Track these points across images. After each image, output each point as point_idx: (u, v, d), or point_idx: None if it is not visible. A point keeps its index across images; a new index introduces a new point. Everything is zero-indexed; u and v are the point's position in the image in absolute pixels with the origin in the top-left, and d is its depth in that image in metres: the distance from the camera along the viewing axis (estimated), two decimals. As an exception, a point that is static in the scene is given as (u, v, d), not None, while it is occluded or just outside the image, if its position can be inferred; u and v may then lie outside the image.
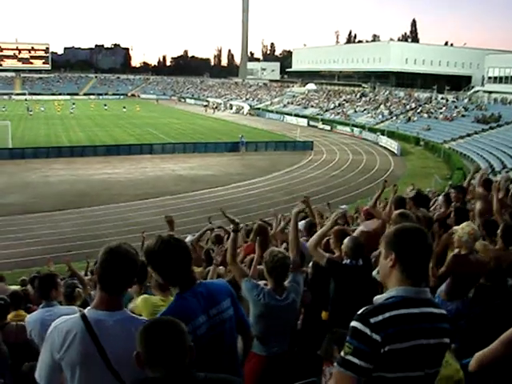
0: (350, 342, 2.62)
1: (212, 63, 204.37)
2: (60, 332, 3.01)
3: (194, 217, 25.16)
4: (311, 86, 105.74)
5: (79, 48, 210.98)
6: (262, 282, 5.07)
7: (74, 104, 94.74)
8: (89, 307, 3.16)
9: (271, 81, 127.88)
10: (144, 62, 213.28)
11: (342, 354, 2.65)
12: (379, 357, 2.58)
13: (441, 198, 9.60)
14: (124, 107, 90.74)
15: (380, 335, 2.57)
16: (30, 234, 24.84)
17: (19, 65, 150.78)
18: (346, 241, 5.86)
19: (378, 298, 2.77)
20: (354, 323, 2.64)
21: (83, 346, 2.95)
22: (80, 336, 2.96)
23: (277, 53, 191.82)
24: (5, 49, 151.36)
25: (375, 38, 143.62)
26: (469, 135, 55.78)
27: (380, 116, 73.78)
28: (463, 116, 64.17)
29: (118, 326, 3.03)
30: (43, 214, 28.19)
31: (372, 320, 2.59)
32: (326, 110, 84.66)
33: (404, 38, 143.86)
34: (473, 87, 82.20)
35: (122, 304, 3.17)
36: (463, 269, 5.72)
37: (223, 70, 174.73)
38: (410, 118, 68.81)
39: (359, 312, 2.67)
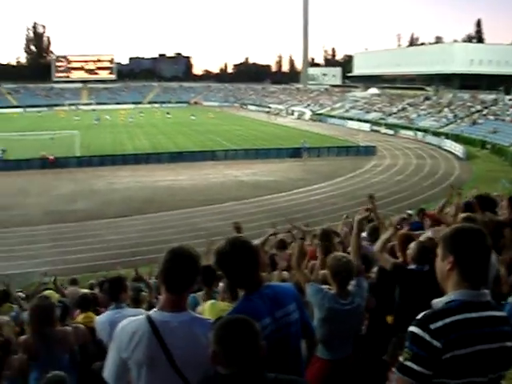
0: (410, 348, 2.59)
1: (273, 69, 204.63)
2: (126, 333, 3.11)
3: (257, 222, 25.23)
4: (373, 91, 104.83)
5: (143, 58, 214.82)
6: (325, 287, 5.07)
7: (141, 113, 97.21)
8: (154, 309, 3.25)
9: (332, 86, 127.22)
10: (206, 70, 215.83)
11: (402, 359, 2.63)
12: (440, 363, 2.54)
13: (504, 201, 9.40)
14: (193, 115, 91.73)
15: (440, 342, 2.52)
16: (97, 239, 25.51)
17: (86, 76, 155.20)
18: (412, 245, 5.80)
19: (437, 302, 2.71)
20: (412, 328, 2.61)
21: (149, 346, 3.03)
22: (146, 337, 3.04)
23: (338, 57, 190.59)
24: (72, 61, 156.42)
25: (438, 40, 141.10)
26: (538, 138, 54.17)
27: (444, 119, 72.39)
28: (532, 117, 62.45)
29: (183, 327, 3.09)
30: (109, 220, 28.89)
31: (432, 326, 2.55)
32: (389, 115, 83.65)
33: (468, 39, 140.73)
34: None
35: (186, 305, 3.23)
36: None
37: (284, 76, 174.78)
38: (475, 121, 67.29)
39: (418, 317, 2.64)
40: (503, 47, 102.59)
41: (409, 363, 2.57)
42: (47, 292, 9.74)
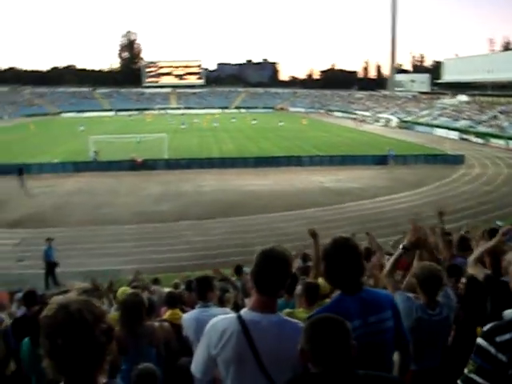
0: (474, 360, 2.54)
1: (359, 76, 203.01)
2: (217, 330, 3.20)
3: (341, 229, 25.11)
4: (463, 98, 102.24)
5: (230, 63, 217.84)
6: (413, 296, 4.99)
7: (233, 118, 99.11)
8: (245, 309, 3.31)
9: (420, 93, 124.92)
10: (292, 76, 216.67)
11: (466, 371, 2.58)
12: (505, 378, 2.46)
13: None
14: (280, 121, 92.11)
15: (506, 356, 2.45)
16: (182, 240, 26.03)
17: (175, 81, 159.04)
18: (508, 257, 5.66)
19: (509, 313, 2.66)
20: (479, 340, 2.55)
21: (238, 345, 3.10)
22: (235, 335, 3.12)
23: (426, 64, 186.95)
24: (162, 67, 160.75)
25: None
26: None
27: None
28: None
29: (272, 327, 3.14)
30: (194, 222, 29.42)
31: (498, 339, 2.48)
32: (479, 123, 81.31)
33: None
34: None
35: (276, 307, 3.27)
36: None
37: (371, 83, 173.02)
38: None
39: (485, 328, 2.57)
40: None
41: (473, 375, 2.53)
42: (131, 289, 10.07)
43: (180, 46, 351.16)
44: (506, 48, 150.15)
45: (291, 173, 45.16)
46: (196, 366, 3.34)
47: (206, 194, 36.69)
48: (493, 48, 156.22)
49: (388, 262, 5.13)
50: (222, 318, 3.29)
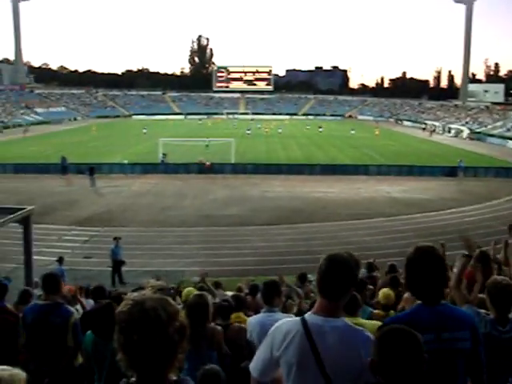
0: None
1: (431, 85, 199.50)
2: (281, 331, 3.22)
3: (405, 240, 24.85)
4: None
5: (299, 70, 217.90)
6: (483, 311, 4.83)
7: (310, 126, 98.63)
8: (309, 312, 3.31)
9: (494, 103, 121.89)
10: (361, 84, 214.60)
11: None
12: None
13: None
14: (352, 129, 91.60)
15: None
16: (247, 245, 26.21)
17: (244, 86, 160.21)
18: None
19: None
20: None
21: (300, 347, 3.11)
22: (298, 337, 3.13)
23: (501, 73, 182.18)
24: (232, 72, 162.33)
25: None
26: None
27: None
28: None
29: (335, 332, 3.12)
30: (259, 227, 29.58)
31: None
32: (555, 136, 78.99)
33: None
34: None
35: (340, 312, 3.26)
36: None
37: (442, 92, 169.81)
38: None
39: None
40: None
41: None
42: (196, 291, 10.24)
43: (250, 52, 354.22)
44: None
45: (358, 181, 44.85)
46: (255, 365, 3.37)
47: (272, 200, 36.80)
48: None
49: (453, 274, 5.05)
50: (286, 320, 3.33)
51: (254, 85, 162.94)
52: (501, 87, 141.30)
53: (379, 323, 3.82)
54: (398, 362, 2.58)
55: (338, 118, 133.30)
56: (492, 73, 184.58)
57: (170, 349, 2.32)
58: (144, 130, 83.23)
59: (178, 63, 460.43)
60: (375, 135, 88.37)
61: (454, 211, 34.58)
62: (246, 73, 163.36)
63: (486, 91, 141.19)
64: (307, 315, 3.27)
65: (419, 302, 3.44)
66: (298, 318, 3.27)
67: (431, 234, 26.52)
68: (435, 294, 3.41)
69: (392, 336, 2.67)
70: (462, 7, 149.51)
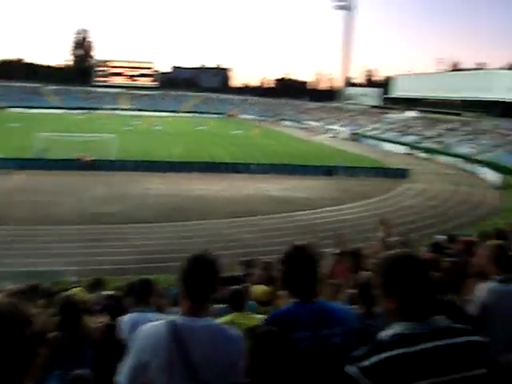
0: None
1: (312, 86, 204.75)
2: (147, 336, 3.13)
3: (284, 238, 25.25)
4: (411, 114, 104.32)
5: (184, 67, 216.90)
6: (352, 307, 4.97)
7: (193, 124, 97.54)
8: (176, 314, 3.28)
9: (371, 106, 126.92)
10: (245, 83, 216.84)
11: None
12: None
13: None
14: (234, 128, 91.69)
15: (371, 380, 2.38)
16: (127, 243, 25.71)
17: (127, 81, 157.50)
18: None
19: (380, 335, 2.57)
20: (347, 366, 2.48)
21: (169, 350, 3.04)
22: (166, 340, 3.05)
23: (378, 79, 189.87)
24: (114, 66, 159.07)
25: (479, 66, 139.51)
26: None
27: (482, 146, 71.61)
28: None
29: (203, 332, 3.09)
30: (140, 225, 29.15)
31: (364, 363, 2.42)
32: (426, 139, 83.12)
33: (510, 67, 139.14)
34: None
35: (207, 312, 3.23)
36: None
37: (323, 94, 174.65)
38: (514, 150, 66.58)
39: (354, 353, 2.51)
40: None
41: None
42: (74, 290, 9.89)
43: (135, 47, 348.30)
44: (454, 69, 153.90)
45: (239, 180, 45.18)
46: (123, 374, 3.19)
47: (153, 198, 36.37)
48: (440, 68, 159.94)
49: (324, 268, 5.11)
50: (152, 324, 3.22)
51: (137, 80, 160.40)
52: (378, 91, 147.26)
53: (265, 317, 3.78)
54: (269, 366, 2.61)
55: (221, 116, 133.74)
56: (369, 77, 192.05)
57: (24, 355, 2.13)
58: (16, 125, 79.77)
59: (60, 55, 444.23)
60: (256, 134, 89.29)
61: (333, 209, 35.63)
62: (128, 68, 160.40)
63: (363, 95, 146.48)
64: (174, 317, 3.22)
65: (295, 299, 3.42)
66: (164, 321, 3.19)
67: (310, 232, 27.19)
68: (310, 291, 3.42)
69: (262, 339, 2.70)
70: (343, 13, 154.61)
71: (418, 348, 2.43)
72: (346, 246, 6.86)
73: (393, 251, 2.79)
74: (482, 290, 5.25)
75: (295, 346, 2.73)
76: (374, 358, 2.40)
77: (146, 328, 3.20)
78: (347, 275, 6.04)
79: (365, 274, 5.09)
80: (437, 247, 8.92)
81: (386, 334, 2.56)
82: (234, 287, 6.38)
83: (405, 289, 2.53)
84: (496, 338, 4.91)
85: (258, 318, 5.60)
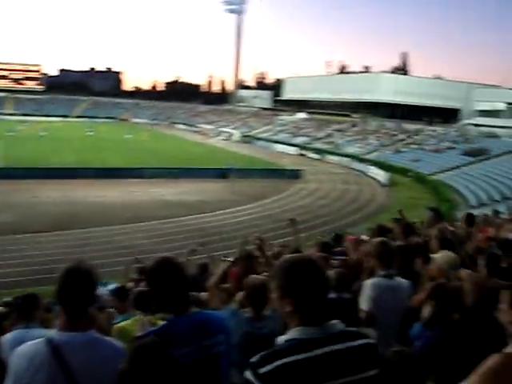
0: None
1: (204, 89, 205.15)
2: (25, 357, 2.94)
3: (181, 242, 25.21)
4: (302, 115, 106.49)
5: (73, 70, 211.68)
6: (242, 310, 4.99)
7: (84, 128, 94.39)
8: (54, 330, 3.12)
9: (262, 109, 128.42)
10: (136, 87, 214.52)
11: None
12: None
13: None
14: (128, 134, 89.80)
15: None
16: (17, 254, 24.67)
17: (11, 85, 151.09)
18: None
19: (279, 340, 2.59)
20: (246, 372, 2.48)
21: (49, 370, 2.88)
22: (46, 360, 2.90)
23: (269, 81, 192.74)
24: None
25: (367, 69, 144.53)
26: (457, 167, 56.55)
27: (369, 146, 74.44)
28: (452, 148, 65.02)
29: (85, 347, 2.98)
30: (31, 235, 28.09)
31: (261, 370, 2.42)
32: (316, 139, 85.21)
33: (395, 71, 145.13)
34: (461, 120, 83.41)
35: (88, 324, 3.10)
36: (443, 297, 5.79)
37: (215, 97, 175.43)
38: (398, 149, 69.49)
39: (252, 359, 2.50)
40: (426, 80, 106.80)
41: None
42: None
43: (20, 49, 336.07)
44: (341, 71, 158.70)
45: (134, 185, 44.51)
46: None
47: (45, 206, 35.12)
48: (330, 70, 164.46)
49: (215, 274, 5.15)
50: (29, 344, 3.02)
51: (23, 84, 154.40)
52: (269, 93, 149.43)
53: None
54: (144, 374, 2.56)
55: (112, 120, 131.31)
56: (261, 80, 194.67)
57: None
58: None
59: None
60: (148, 138, 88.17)
61: (228, 211, 35.85)
62: (12, 71, 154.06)
63: (255, 97, 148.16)
64: (53, 333, 3.07)
65: (168, 315, 3.31)
66: (42, 339, 3.01)
67: (206, 235, 27.26)
68: (180, 303, 3.30)
69: (137, 351, 2.65)
70: (233, 16, 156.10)
71: (314, 353, 2.44)
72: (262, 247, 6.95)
73: (291, 254, 2.84)
74: (367, 286, 5.55)
75: (178, 360, 2.73)
76: (272, 365, 2.39)
77: (22, 348, 3.02)
78: (240, 279, 6.11)
79: (253, 277, 5.09)
80: (325, 247, 9.20)
81: (282, 339, 2.55)
82: (139, 289, 6.32)
83: (302, 291, 2.52)
84: (385, 330, 5.23)
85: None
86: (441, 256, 6.26)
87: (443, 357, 3.99)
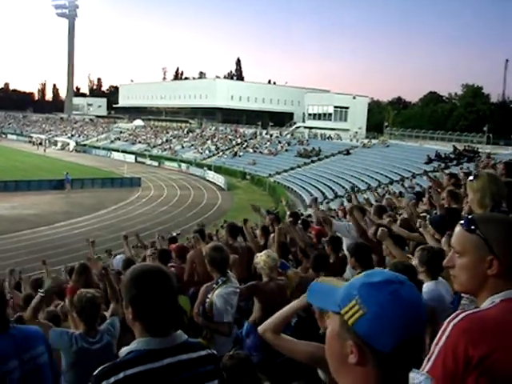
0: None
1: (36, 97, 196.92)
2: None
3: (16, 259, 24.25)
4: (138, 122, 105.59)
5: None
6: (70, 330, 4.85)
7: None
8: None
9: (98, 116, 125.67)
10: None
11: None
12: None
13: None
14: None
15: None
16: None
17: None
18: None
19: (122, 352, 2.57)
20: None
21: None
22: None
23: (104, 88, 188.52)
24: None
25: (202, 75, 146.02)
26: (292, 169, 59.20)
27: (207, 151, 75.41)
28: (286, 150, 67.61)
29: None
30: None
31: (105, 382, 2.38)
32: (154, 146, 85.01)
33: (229, 76, 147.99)
34: (295, 123, 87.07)
35: None
36: (264, 296, 6.13)
37: (48, 105, 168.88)
38: (236, 153, 71.07)
39: (96, 372, 2.44)
40: (261, 85, 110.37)
41: None
42: None
43: None
44: (176, 77, 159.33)
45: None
46: None
47: None
48: (166, 76, 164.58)
49: (29, 307, 4.96)
50: None
51: None
52: (104, 101, 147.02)
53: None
54: None
55: None
56: (95, 87, 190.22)
57: None
58: None
59: None
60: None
61: (64, 224, 34.90)
62: None
63: (89, 104, 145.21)
64: None
65: None
66: None
67: (42, 250, 26.47)
68: (1, 320, 3.25)
69: None
70: (65, 21, 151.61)
71: (156, 365, 2.44)
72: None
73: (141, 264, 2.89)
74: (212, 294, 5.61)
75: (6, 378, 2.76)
76: (116, 377, 2.36)
77: None
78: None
79: (82, 291, 4.98)
80: (163, 255, 9.30)
81: (124, 351, 2.52)
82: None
83: (142, 301, 2.48)
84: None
85: None
86: (260, 255, 6.42)
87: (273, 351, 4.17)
